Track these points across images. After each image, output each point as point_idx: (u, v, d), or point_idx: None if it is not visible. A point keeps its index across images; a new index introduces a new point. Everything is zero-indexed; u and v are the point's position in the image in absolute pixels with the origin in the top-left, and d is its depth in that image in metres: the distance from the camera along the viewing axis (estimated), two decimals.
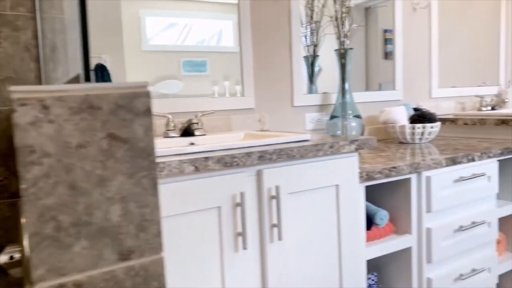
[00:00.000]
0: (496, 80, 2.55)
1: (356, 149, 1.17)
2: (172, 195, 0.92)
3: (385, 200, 1.48)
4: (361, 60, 2.09)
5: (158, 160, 0.89)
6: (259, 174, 1.03)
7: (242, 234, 0.98)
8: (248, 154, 0.98)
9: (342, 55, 1.77)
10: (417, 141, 1.84)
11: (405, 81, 2.15)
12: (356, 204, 1.20)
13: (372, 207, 1.43)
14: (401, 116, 1.89)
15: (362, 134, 1.79)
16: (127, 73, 1.48)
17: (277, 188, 1.02)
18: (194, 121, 1.35)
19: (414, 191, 1.39)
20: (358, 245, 1.22)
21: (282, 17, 1.75)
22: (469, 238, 1.51)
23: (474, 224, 1.51)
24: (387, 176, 1.29)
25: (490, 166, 1.57)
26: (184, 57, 1.61)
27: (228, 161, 0.95)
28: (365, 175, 1.24)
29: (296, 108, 1.81)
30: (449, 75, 2.34)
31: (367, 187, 1.52)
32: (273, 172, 1.03)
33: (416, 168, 1.35)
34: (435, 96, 2.25)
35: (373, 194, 1.52)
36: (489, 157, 1.55)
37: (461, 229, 1.48)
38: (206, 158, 0.93)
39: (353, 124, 1.76)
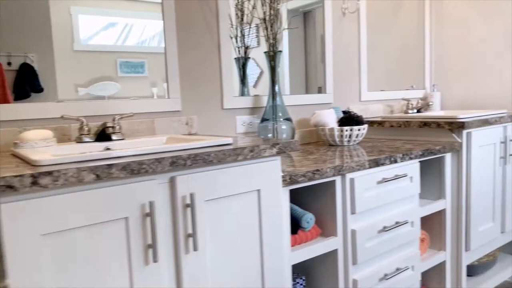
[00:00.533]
0: (422, 84, 2.67)
1: (278, 153, 1.15)
2: (72, 207, 0.84)
3: (312, 202, 1.47)
4: (301, 63, 2.10)
5: (53, 168, 0.81)
6: (172, 181, 0.97)
7: (152, 246, 0.92)
8: (159, 160, 0.92)
9: (272, 57, 1.75)
10: (345, 143, 1.87)
11: (336, 85, 2.18)
12: (279, 208, 1.18)
13: (299, 210, 1.42)
14: (330, 119, 1.91)
15: (292, 137, 1.78)
16: (58, 73, 1.37)
17: (191, 195, 0.97)
18: (109, 125, 1.26)
19: (339, 193, 1.40)
20: (282, 251, 1.20)
21: (210, 17, 1.70)
22: (393, 238, 1.55)
23: (398, 224, 1.55)
24: (311, 179, 1.28)
25: (412, 167, 1.63)
26: (121, 57, 1.52)
27: (135, 168, 0.88)
28: (289, 179, 1.22)
29: (227, 111, 1.77)
30: (378, 79, 2.42)
31: (295, 190, 1.51)
32: (187, 178, 0.98)
33: (339, 171, 1.35)
34: (364, 99, 2.31)
35: (301, 197, 1.51)
36: (410, 158, 1.60)
37: (385, 229, 1.51)
38: (110, 166, 0.85)
39: (284, 127, 1.75)
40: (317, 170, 1.29)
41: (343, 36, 2.20)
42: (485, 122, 1.89)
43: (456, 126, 1.80)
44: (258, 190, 1.12)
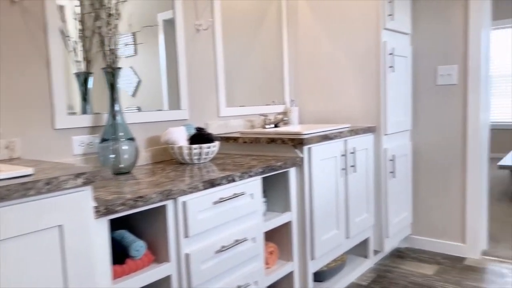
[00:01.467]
0: (283, 100, 2.80)
1: (85, 183, 1.07)
2: None
3: (146, 228, 1.42)
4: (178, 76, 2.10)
5: None
6: None
7: None
8: None
9: (111, 74, 1.66)
10: (195, 161, 1.86)
11: (193, 101, 2.17)
12: (90, 243, 1.10)
13: (130, 238, 1.35)
14: (180, 137, 1.88)
15: (136, 157, 1.71)
16: None
17: None
18: None
19: (171, 218, 1.37)
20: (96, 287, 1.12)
21: (36, 28, 1.55)
22: (233, 257, 1.57)
23: (237, 242, 1.57)
24: (133, 207, 1.23)
25: (253, 184, 1.67)
26: None
27: None
28: (104, 209, 1.15)
29: (60, 131, 1.63)
30: (240, 95, 2.47)
31: (130, 216, 1.44)
32: None
33: (168, 195, 1.32)
34: (223, 115, 2.33)
35: (135, 222, 1.45)
36: (250, 176, 1.64)
37: (223, 249, 1.52)
38: None
39: (125, 147, 1.67)
40: (140, 197, 1.24)
41: (199, 52, 2.20)
42: (325, 138, 2.04)
43: (297, 142, 1.91)
44: (60, 226, 1.03)
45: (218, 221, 1.51)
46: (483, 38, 2.51)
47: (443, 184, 2.73)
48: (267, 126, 2.46)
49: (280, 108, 2.75)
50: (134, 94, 1.96)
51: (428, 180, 2.79)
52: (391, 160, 2.52)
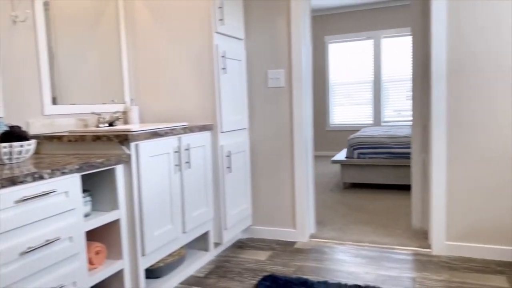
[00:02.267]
0: (123, 99, 2.76)
1: None
2: None
3: None
4: None
5: None
6: None
7: None
8: None
9: None
10: (6, 161, 1.71)
11: (9, 97, 1.99)
12: None
13: None
14: None
15: None
16: None
17: None
18: None
19: None
20: None
21: None
22: (44, 257, 1.49)
23: (48, 242, 1.50)
24: None
25: (69, 182, 1.61)
26: None
27: None
28: None
29: None
30: (75, 93, 2.35)
31: None
32: None
33: None
34: (48, 113, 2.20)
35: None
36: (63, 173, 1.58)
37: (30, 250, 1.43)
38: None
39: None
40: None
41: (16, 45, 2.03)
42: (155, 134, 2.08)
43: (123, 138, 1.91)
44: None
45: (23, 220, 1.42)
46: (303, 48, 2.86)
47: (277, 177, 3.01)
48: (101, 125, 2.40)
49: (119, 107, 2.71)
50: None
51: (264, 174, 3.04)
52: (227, 156, 2.68)
